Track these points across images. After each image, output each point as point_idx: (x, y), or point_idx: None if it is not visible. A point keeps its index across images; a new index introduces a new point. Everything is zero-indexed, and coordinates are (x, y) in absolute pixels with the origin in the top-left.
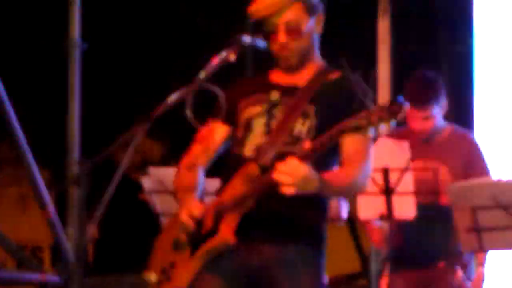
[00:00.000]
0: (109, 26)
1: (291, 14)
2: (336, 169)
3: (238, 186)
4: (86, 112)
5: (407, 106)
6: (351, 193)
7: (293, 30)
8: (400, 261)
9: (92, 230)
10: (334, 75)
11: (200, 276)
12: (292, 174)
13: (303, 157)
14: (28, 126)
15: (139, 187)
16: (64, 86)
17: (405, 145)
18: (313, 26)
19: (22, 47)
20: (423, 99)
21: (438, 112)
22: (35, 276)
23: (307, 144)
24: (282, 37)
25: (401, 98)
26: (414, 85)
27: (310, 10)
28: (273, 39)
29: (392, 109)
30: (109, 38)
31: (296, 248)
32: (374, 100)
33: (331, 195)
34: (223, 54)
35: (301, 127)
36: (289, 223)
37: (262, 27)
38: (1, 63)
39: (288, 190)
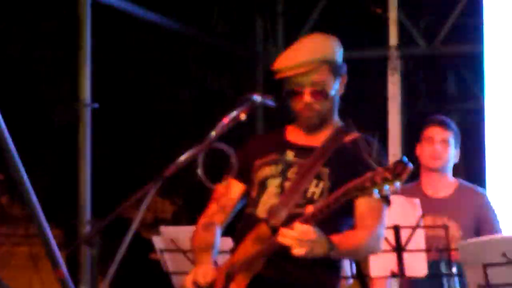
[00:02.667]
0: (120, 86)
1: (319, 75)
2: (348, 231)
3: (249, 247)
4: (97, 172)
5: (410, 166)
6: (362, 256)
7: (320, 92)
8: None
9: None
10: (351, 137)
11: None
12: (298, 238)
13: (307, 220)
14: (40, 185)
15: (150, 246)
16: (75, 145)
17: (416, 202)
18: (337, 87)
19: (34, 108)
20: (444, 120)
21: (452, 148)
22: None
23: (309, 208)
24: (307, 98)
25: (405, 159)
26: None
27: (335, 72)
28: (298, 98)
29: (397, 170)
30: (120, 98)
31: None
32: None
33: (340, 257)
34: (234, 113)
35: (314, 189)
36: (302, 285)
37: (283, 84)
38: (13, 123)
39: (298, 252)
